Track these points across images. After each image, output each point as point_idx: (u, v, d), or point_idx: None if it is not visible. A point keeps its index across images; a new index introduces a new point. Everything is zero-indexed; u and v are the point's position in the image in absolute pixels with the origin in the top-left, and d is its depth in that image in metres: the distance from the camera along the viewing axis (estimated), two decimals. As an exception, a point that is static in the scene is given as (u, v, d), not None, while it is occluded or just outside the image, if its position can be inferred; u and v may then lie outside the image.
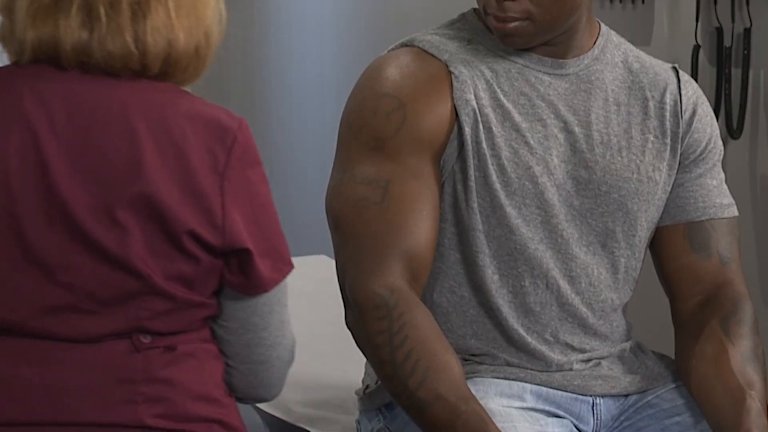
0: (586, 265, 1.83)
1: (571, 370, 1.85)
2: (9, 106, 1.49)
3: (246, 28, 5.23)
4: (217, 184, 1.53)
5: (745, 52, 2.91)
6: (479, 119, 1.78)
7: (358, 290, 1.72)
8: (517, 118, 1.80)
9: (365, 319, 1.70)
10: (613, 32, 1.93)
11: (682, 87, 1.90)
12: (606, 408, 1.86)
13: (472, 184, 1.78)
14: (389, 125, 1.77)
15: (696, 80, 2.90)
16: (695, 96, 1.91)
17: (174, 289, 1.53)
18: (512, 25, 1.76)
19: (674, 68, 1.92)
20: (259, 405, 2.34)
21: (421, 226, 1.74)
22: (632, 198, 1.84)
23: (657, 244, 1.91)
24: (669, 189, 1.89)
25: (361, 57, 4.23)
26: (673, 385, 1.87)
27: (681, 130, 1.88)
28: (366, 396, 1.93)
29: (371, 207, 1.74)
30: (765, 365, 1.81)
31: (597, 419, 1.86)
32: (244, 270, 1.57)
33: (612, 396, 1.86)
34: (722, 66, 2.96)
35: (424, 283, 1.76)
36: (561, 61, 1.84)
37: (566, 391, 1.84)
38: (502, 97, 1.80)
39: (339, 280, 1.77)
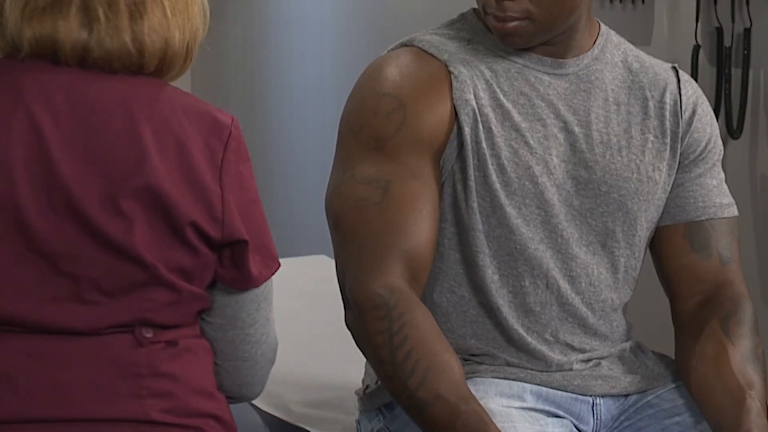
0: (586, 265, 1.83)
1: (571, 370, 1.85)
2: (10, 97, 1.49)
3: (246, 28, 5.23)
4: (216, 177, 1.55)
5: (745, 52, 2.91)
6: (479, 119, 1.78)
7: (358, 290, 1.72)
8: (517, 117, 1.80)
9: (365, 319, 1.70)
10: (612, 32, 1.93)
11: (681, 87, 1.90)
12: (606, 408, 1.86)
13: (472, 183, 1.78)
14: (389, 125, 1.77)
15: (696, 80, 2.90)
16: (695, 96, 1.91)
17: (177, 280, 1.54)
18: (512, 24, 1.76)
19: (674, 68, 1.92)
20: (259, 405, 2.34)
21: (421, 226, 1.74)
22: (632, 198, 1.84)
23: (657, 244, 1.92)
24: (669, 189, 1.89)
25: (361, 57, 4.23)
26: (673, 385, 1.87)
27: (681, 130, 1.88)
28: (366, 396, 1.93)
29: (371, 207, 1.74)
30: (765, 365, 1.81)
31: (597, 419, 1.86)
32: (236, 264, 1.58)
33: (612, 396, 1.86)
34: (722, 66, 2.96)
35: (424, 283, 1.76)
36: (561, 60, 1.84)
37: (566, 391, 1.84)
38: (501, 96, 1.80)
39: (339, 280, 1.77)
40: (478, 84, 1.80)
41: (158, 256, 1.52)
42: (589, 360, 1.87)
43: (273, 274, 1.63)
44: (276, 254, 1.64)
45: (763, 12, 2.88)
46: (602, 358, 1.88)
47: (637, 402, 1.87)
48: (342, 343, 2.64)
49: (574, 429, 1.84)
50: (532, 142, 1.80)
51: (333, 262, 1.79)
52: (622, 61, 1.89)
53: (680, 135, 1.88)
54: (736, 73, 2.95)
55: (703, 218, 1.88)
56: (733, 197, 1.93)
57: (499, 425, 1.67)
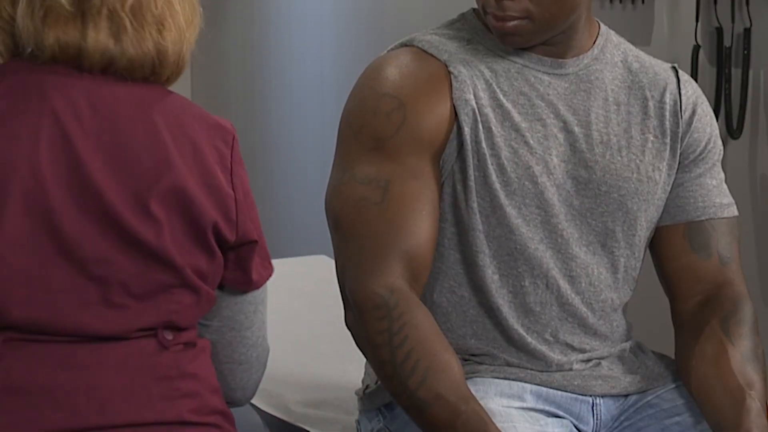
0: (586, 265, 1.83)
1: (571, 370, 1.85)
2: (36, 100, 1.50)
3: (246, 28, 5.23)
4: (228, 179, 1.57)
5: (745, 52, 2.91)
6: (479, 119, 1.78)
7: (358, 290, 1.72)
8: (517, 117, 1.80)
9: (365, 319, 1.70)
10: (612, 32, 1.93)
11: (681, 87, 1.90)
12: (606, 408, 1.86)
13: (472, 183, 1.78)
14: (389, 125, 1.77)
15: (696, 80, 2.90)
16: (695, 96, 1.91)
17: (199, 282, 1.56)
18: (511, 24, 1.77)
19: (674, 68, 1.92)
20: (259, 405, 2.34)
21: (421, 226, 1.74)
22: (632, 198, 1.84)
23: (657, 244, 1.92)
24: (669, 189, 1.89)
25: (361, 57, 4.23)
26: (673, 385, 1.87)
27: (681, 130, 1.88)
28: (366, 396, 1.93)
29: (371, 207, 1.74)
30: (765, 365, 1.81)
31: (597, 419, 1.86)
32: (241, 265, 1.60)
33: (612, 396, 1.87)
34: (722, 66, 2.96)
35: (424, 283, 1.76)
36: (560, 60, 1.84)
37: (566, 391, 1.84)
38: (501, 96, 1.80)
39: (339, 280, 1.77)
40: (477, 84, 1.80)
41: (184, 259, 1.53)
42: (589, 360, 1.87)
43: (270, 276, 1.65)
44: (269, 257, 1.66)
45: (763, 12, 2.88)
46: (602, 358, 1.88)
47: (637, 402, 1.87)
48: (342, 343, 2.64)
49: (574, 429, 1.84)
50: (531, 142, 1.80)
51: (333, 262, 1.79)
52: (622, 61, 1.89)
53: (680, 135, 1.88)
54: (736, 73, 2.95)
55: (703, 218, 1.88)
56: (733, 197, 1.93)
57: (499, 425, 1.67)
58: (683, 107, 1.89)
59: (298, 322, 2.88)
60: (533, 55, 1.83)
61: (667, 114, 1.88)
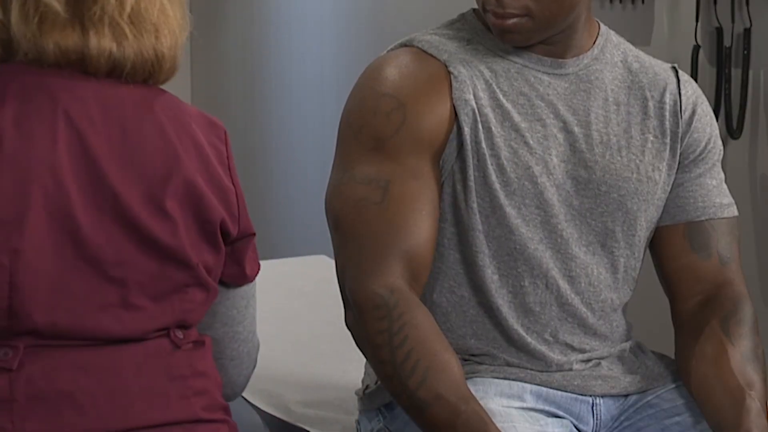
0: (586, 265, 1.83)
1: (570, 370, 1.85)
2: (47, 102, 1.49)
3: (246, 28, 5.23)
4: (227, 175, 1.58)
5: (745, 52, 2.91)
6: (478, 119, 1.78)
7: (358, 290, 1.72)
8: (517, 118, 1.80)
9: (365, 319, 1.70)
10: (612, 32, 1.93)
11: (681, 87, 1.90)
12: (606, 408, 1.86)
13: (472, 184, 1.78)
14: (389, 125, 1.77)
15: (696, 80, 2.90)
16: (695, 96, 1.91)
17: (208, 279, 1.57)
18: (511, 21, 1.77)
19: (674, 68, 1.92)
20: (259, 405, 2.34)
21: (421, 226, 1.74)
22: (632, 198, 1.84)
23: (657, 244, 1.92)
24: (669, 189, 1.89)
25: (361, 57, 4.23)
26: (673, 385, 1.87)
27: (680, 130, 1.88)
28: (366, 396, 1.93)
29: (371, 207, 1.74)
30: (765, 365, 1.81)
31: (597, 419, 1.86)
32: (238, 259, 1.61)
33: (612, 396, 1.87)
34: (722, 66, 2.96)
35: (424, 283, 1.76)
36: (560, 60, 1.84)
37: (566, 391, 1.84)
38: (501, 97, 1.80)
39: (339, 280, 1.77)
40: (477, 84, 1.80)
41: (198, 256, 1.55)
42: (588, 360, 1.87)
43: (259, 269, 1.67)
44: (257, 251, 1.69)
45: (763, 12, 2.88)
46: (602, 358, 1.88)
47: (637, 402, 1.87)
48: (342, 343, 2.64)
49: (574, 429, 1.84)
50: (531, 142, 1.80)
51: (333, 262, 1.79)
52: (621, 61, 1.90)
53: (680, 135, 1.88)
54: (736, 73, 2.95)
55: (702, 218, 1.88)
56: (733, 197, 1.93)
57: (499, 425, 1.67)
58: (683, 107, 1.89)
59: (298, 322, 2.88)
60: (533, 55, 1.83)
61: (667, 114, 1.88)
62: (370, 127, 1.78)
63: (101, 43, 1.51)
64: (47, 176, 1.46)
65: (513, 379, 1.82)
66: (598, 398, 1.86)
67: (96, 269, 1.49)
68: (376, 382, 1.90)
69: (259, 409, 2.33)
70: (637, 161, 1.85)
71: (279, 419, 2.30)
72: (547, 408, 1.83)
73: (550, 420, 1.81)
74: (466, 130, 1.78)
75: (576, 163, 1.82)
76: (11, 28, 1.51)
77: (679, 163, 1.89)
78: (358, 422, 1.99)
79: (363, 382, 1.97)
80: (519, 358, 1.83)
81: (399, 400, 1.69)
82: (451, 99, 1.78)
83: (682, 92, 1.90)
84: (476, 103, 1.79)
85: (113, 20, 1.51)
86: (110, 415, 1.50)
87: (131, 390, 1.52)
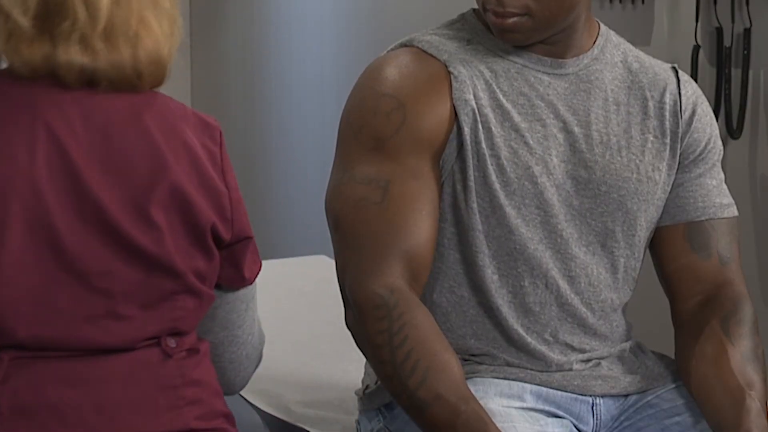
0: (586, 265, 1.83)
1: (570, 370, 1.85)
2: (26, 112, 1.48)
3: (246, 28, 5.23)
4: (221, 177, 1.57)
5: (745, 52, 2.91)
6: (478, 119, 1.78)
7: (358, 290, 1.72)
8: (517, 118, 1.80)
9: (365, 319, 1.70)
10: (612, 32, 1.93)
11: (681, 87, 1.90)
12: (606, 408, 1.86)
13: (472, 184, 1.78)
14: (389, 125, 1.77)
15: (696, 80, 2.90)
16: (695, 96, 1.91)
17: (200, 286, 1.56)
18: (511, 20, 1.77)
19: (674, 68, 1.93)
20: (259, 405, 2.34)
21: (421, 226, 1.74)
22: (632, 198, 1.84)
23: (657, 244, 1.92)
24: (669, 189, 1.89)
25: (361, 57, 4.23)
26: (673, 385, 1.87)
27: (680, 130, 1.88)
28: (366, 396, 1.93)
29: (371, 207, 1.74)
30: (765, 365, 1.81)
31: (597, 419, 1.86)
32: (235, 263, 1.60)
33: (612, 396, 1.87)
34: (722, 66, 2.96)
35: (424, 283, 1.76)
36: (560, 60, 1.84)
37: (566, 391, 1.84)
38: (501, 97, 1.81)
39: (339, 280, 1.77)
40: (477, 84, 1.80)
41: (186, 264, 1.53)
42: (588, 360, 1.87)
43: (260, 270, 1.66)
44: (258, 251, 1.67)
45: (763, 12, 2.88)
46: (602, 358, 1.88)
47: (637, 402, 1.87)
48: (342, 343, 2.64)
49: (574, 429, 1.84)
50: (531, 142, 1.80)
51: (333, 262, 1.79)
52: (621, 62, 1.90)
53: (680, 135, 1.88)
54: (736, 73, 2.95)
55: (702, 218, 1.88)
56: (733, 197, 1.93)
57: (499, 425, 1.67)
58: (683, 107, 1.89)
59: (298, 322, 2.88)
60: (533, 55, 1.83)
61: (667, 114, 1.88)
62: (370, 127, 1.78)
63: (71, 57, 1.49)
64: (26, 188, 1.45)
65: (513, 379, 1.82)
66: (598, 398, 1.86)
67: (80, 280, 1.48)
68: (376, 382, 1.90)
69: (259, 409, 2.33)
70: (637, 161, 1.85)
71: (279, 419, 2.30)
72: (547, 408, 1.83)
73: (550, 420, 1.81)
74: (466, 130, 1.78)
75: (576, 163, 1.82)
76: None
77: (679, 163, 1.89)
78: (358, 422, 1.99)
79: (363, 382, 1.97)
80: (519, 358, 1.83)
81: (399, 400, 1.69)
82: (451, 99, 1.78)
83: (682, 92, 1.90)
84: (476, 103, 1.79)
85: (84, 36, 1.49)
86: (97, 428, 1.49)
87: (119, 401, 1.51)
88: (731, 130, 2.95)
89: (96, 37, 1.50)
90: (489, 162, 1.78)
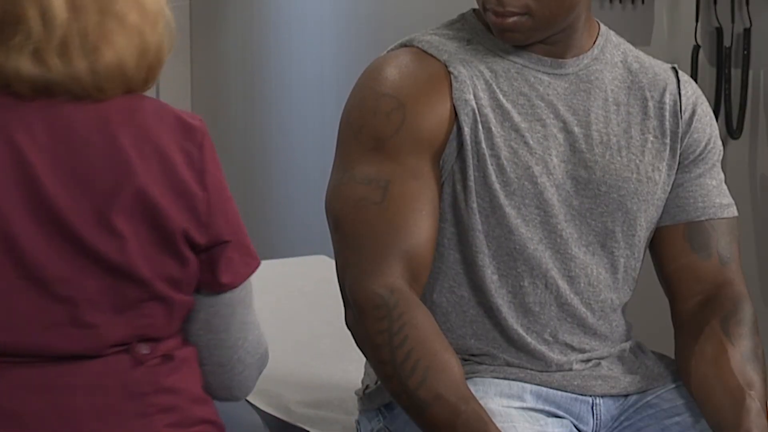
0: (586, 265, 1.83)
1: (570, 370, 1.85)
2: None
3: (246, 28, 5.23)
4: (198, 180, 1.55)
5: (745, 52, 2.91)
6: (478, 119, 1.78)
7: (358, 290, 1.72)
8: (517, 118, 1.80)
9: (365, 319, 1.70)
10: (612, 32, 1.93)
11: (681, 87, 1.90)
12: (606, 408, 1.86)
13: (472, 184, 1.78)
14: (389, 125, 1.77)
15: (696, 80, 2.90)
16: (695, 96, 1.91)
17: (170, 292, 1.54)
18: (511, 20, 1.77)
19: (674, 68, 1.93)
20: (259, 405, 2.34)
21: (421, 226, 1.74)
22: (632, 198, 1.84)
23: (657, 244, 1.92)
24: (668, 189, 1.89)
25: (361, 57, 4.23)
26: (673, 385, 1.87)
27: (680, 130, 1.88)
28: (366, 396, 1.93)
29: (371, 207, 1.74)
30: (765, 365, 1.81)
31: (597, 419, 1.86)
32: (210, 267, 1.58)
33: (612, 396, 1.87)
34: (722, 66, 2.96)
35: (424, 283, 1.76)
36: (560, 60, 1.84)
37: (566, 391, 1.84)
38: (501, 97, 1.81)
39: (339, 280, 1.77)
40: (477, 84, 1.80)
41: (153, 270, 1.51)
42: (588, 360, 1.87)
43: (252, 272, 1.62)
44: (254, 251, 1.63)
45: (762, 12, 2.88)
46: (602, 358, 1.88)
47: (637, 402, 1.87)
48: (342, 343, 2.64)
49: (574, 429, 1.84)
50: (531, 142, 1.80)
51: (333, 262, 1.79)
52: (621, 62, 1.90)
53: (680, 135, 1.88)
54: (735, 73, 2.95)
55: (702, 218, 1.88)
56: (733, 197, 1.93)
57: (499, 425, 1.67)
58: (683, 107, 1.89)
59: (298, 322, 2.88)
60: (533, 55, 1.83)
61: (667, 114, 1.88)
62: (370, 127, 1.78)
63: (20, 69, 1.48)
64: None
65: (513, 379, 1.82)
66: (598, 398, 1.86)
67: (40, 288, 1.48)
68: (376, 382, 1.90)
69: (259, 409, 2.33)
70: (637, 161, 1.85)
71: (279, 419, 2.30)
72: (547, 408, 1.83)
73: (550, 420, 1.81)
74: (466, 130, 1.78)
75: (576, 163, 1.82)
76: None
77: (679, 163, 1.89)
78: (358, 422, 1.99)
79: (363, 382, 1.97)
80: (519, 358, 1.83)
81: (399, 400, 1.69)
82: (451, 99, 1.78)
83: (682, 92, 1.90)
84: (476, 103, 1.79)
85: (38, 49, 1.48)
86: None
87: (83, 409, 1.50)
88: (731, 130, 2.95)
89: (51, 50, 1.49)
90: (489, 162, 1.78)
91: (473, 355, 1.85)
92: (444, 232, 1.81)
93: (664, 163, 1.87)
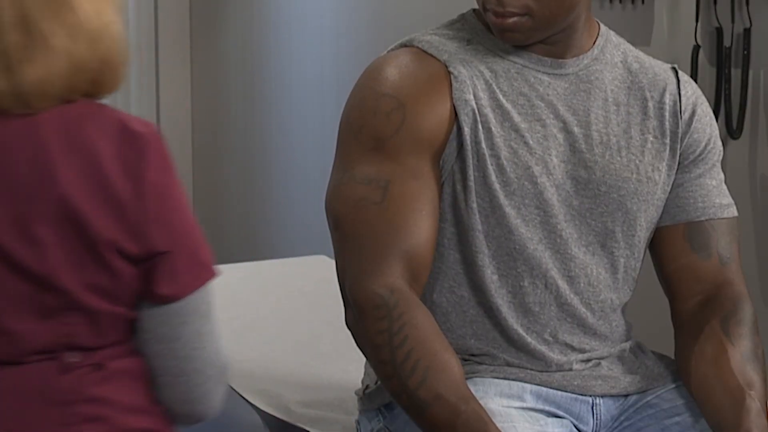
0: (585, 265, 1.83)
1: (570, 370, 1.85)
2: None
3: (246, 28, 5.23)
4: (134, 189, 1.51)
5: (745, 52, 2.91)
6: (478, 119, 1.78)
7: (358, 290, 1.72)
8: (517, 118, 1.80)
9: (365, 319, 1.70)
10: (612, 32, 1.93)
11: (681, 87, 1.90)
12: (606, 408, 1.86)
13: (472, 184, 1.78)
14: (389, 125, 1.77)
15: (696, 80, 2.90)
16: (694, 96, 1.91)
17: (96, 302, 1.51)
18: (511, 20, 1.77)
19: (674, 68, 1.93)
20: (259, 405, 2.34)
21: (421, 225, 1.74)
22: (631, 198, 1.84)
23: (657, 244, 1.92)
24: (668, 189, 1.89)
25: (361, 57, 4.23)
26: (673, 385, 1.87)
27: (680, 130, 1.88)
28: (366, 396, 1.93)
29: (371, 207, 1.74)
30: (765, 365, 1.81)
31: (597, 419, 1.86)
32: (148, 278, 1.53)
33: (612, 396, 1.87)
34: (722, 66, 2.96)
35: (424, 283, 1.76)
36: (560, 60, 1.84)
37: (566, 391, 1.84)
38: (501, 97, 1.81)
39: (339, 280, 1.77)
40: (477, 84, 1.80)
41: (76, 280, 1.49)
42: (588, 360, 1.87)
43: (203, 284, 1.56)
44: (209, 262, 1.57)
45: (763, 12, 2.88)
46: (602, 358, 1.88)
47: (637, 402, 1.87)
48: (342, 343, 2.64)
49: (574, 429, 1.84)
50: (531, 142, 1.80)
51: (333, 262, 1.79)
52: (621, 62, 1.90)
53: (680, 135, 1.88)
54: (735, 73, 2.95)
55: (702, 218, 1.88)
56: (733, 197, 1.93)
57: (499, 425, 1.67)
58: (683, 108, 1.89)
59: (298, 322, 2.88)
60: (533, 55, 1.83)
61: (667, 114, 1.88)
62: (370, 127, 1.78)
63: None
64: None
65: (513, 379, 1.82)
66: (598, 398, 1.86)
67: None
68: (376, 382, 1.90)
69: (259, 409, 2.32)
70: (637, 161, 1.85)
71: (279, 419, 2.30)
72: (547, 408, 1.83)
73: (550, 420, 1.81)
74: (466, 131, 1.78)
75: (576, 163, 1.82)
76: None
77: (678, 163, 1.89)
78: (358, 422, 1.99)
79: (363, 382, 1.97)
80: (519, 358, 1.83)
81: (399, 400, 1.69)
82: (451, 99, 1.78)
83: (682, 93, 1.90)
84: (476, 103, 1.79)
85: None
86: None
87: (3, 414, 1.48)
88: (731, 130, 2.95)
89: None
90: (489, 162, 1.78)
91: (473, 355, 1.85)
92: (444, 232, 1.81)
93: (664, 163, 1.87)
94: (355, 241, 1.74)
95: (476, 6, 1.86)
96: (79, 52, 1.52)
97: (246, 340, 2.73)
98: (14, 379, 1.50)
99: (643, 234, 1.87)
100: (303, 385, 2.44)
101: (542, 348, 1.83)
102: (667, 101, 1.88)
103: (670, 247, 1.90)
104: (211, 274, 1.57)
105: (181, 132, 5.47)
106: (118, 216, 1.50)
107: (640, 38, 3.13)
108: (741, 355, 1.79)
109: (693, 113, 1.90)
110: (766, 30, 2.88)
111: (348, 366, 2.52)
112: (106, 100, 1.58)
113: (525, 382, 1.82)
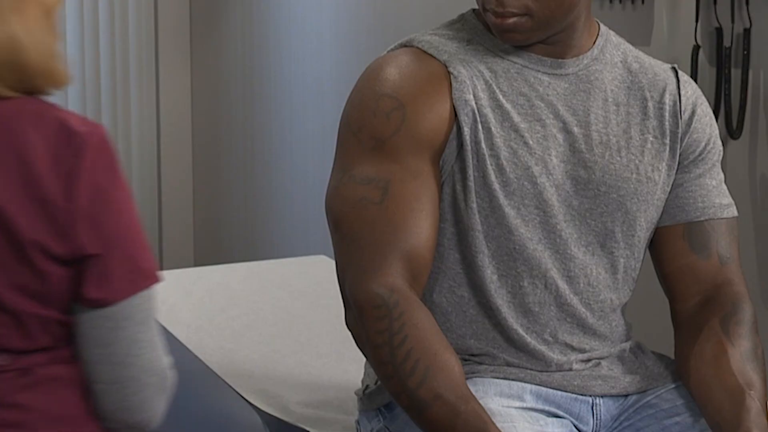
0: (585, 265, 1.84)
1: (570, 370, 1.85)
2: None
3: (246, 28, 5.23)
4: (65, 190, 1.48)
5: (745, 52, 2.91)
6: (478, 119, 1.78)
7: (358, 290, 1.72)
8: (516, 118, 1.80)
9: (365, 318, 1.70)
10: (612, 32, 1.93)
11: (681, 87, 1.90)
12: (606, 408, 1.87)
13: (471, 184, 1.78)
14: (389, 125, 1.77)
15: (696, 80, 2.90)
16: (694, 96, 1.91)
17: (23, 304, 1.49)
18: (511, 20, 1.77)
19: (673, 68, 1.93)
20: (259, 405, 2.34)
21: (421, 225, 1.74)
22: (631, 198, 1.84)
23: (656, 244, 1.92)
24: (668, 189, 1.89)
25: (361, 57, 4.23)
26: (673, 385, 1.88)
27: (680, 131, 1.88)
28: (366, 396, 1.93)
29: (371, 207, 1.75)
30: (765, 365, 1.81)
31: (597, 419, 1.86)
32: (80, 280, 1.50)
33: (612, 396, 1.87)
34: (722, 66, 2.96)
35: (424, 282, 1.76)
36: (560, 61, 1.84)
37: (566, 391, 1.84)
38: (501, 97, 1.81)
39: (339, 280, 1.77)
40: (477, 84, 1.80)
41: (1, 281, 1.46)
42: (588, 360, 1.87)
43: (138, 291, 1.51)
44: (149, 269, 1.53)
45: (763, 12, 2.88)
46: (602, 358, 1.88)
47: (637, 402, 1.87)
48: (342, 343, 2.64)
49: (574, 429, 1.84)
50: (531, 142, 1.80)
51: (333, 262, 1.80)
52: (621, 62, 1.90)
53: (680, 135, 1.88)
54: (735, 74, 2.95)
55: (702, 219, 1.89)
56: (733, 197, 1.93)
57: (499, 425, 1.67)
58: (683, 108, 1.89)
59: (298, 322, 2.88)
60: (533, 55, 1.84)
61: (667, 114, 1.88)
62: (370, 128, 1.78)
63: None
64: None
65: (513, 379, 1.82)
66: (597, 398, 1.86)
67: None
68: (376, 382, 1.90)
69: (258, 409, 2.33)
70: (637, 162, 1.85)
71: (279, 419, 2.30)
72: (547, 408, 1.83)
73: (550, 420, 1.81)
74: (466, 131, 1.78)
75: (575, 163, 1.83)
76: None
77: (678, 163, 1.89)
78: (358, 422, 1.99)
79: (363, 382, 1.97)
80: (519, 358, 1.83)
81: (399, 400, 1.69)
82: (451, 99, 1.79)
83: (682, 93, 1.90)
84: (476, 103, 1.79)
85: None
86: None
87: None
88: (731, 130, 2.95)
89: None
90: (488, 162, 1.78)
91: (473, 355, 1.85)
92: (444, 232, 1.82)
93: (664, 164, 1.87)
94: (355, 241, 1.74)
95: (476, 6, 1.86)
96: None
97: (246, 340, 2.73)
98: None
99: (642, 234, 1.88)
100: (303, 385, 2.44)
101: (542, 348, 1.83)
102: (667, 101, 1.89)
103: (670, 247, 1.90)
104: (149, 282, 1.53)
105: (181, 132, 5.47)
106: (45, 216, 1.47)
107: (640, 38, 3.13)
108: (741, 355, 1.79)
109: (693, 113, 1.90)
110: (766, 30, 2.88)
111: (348, 366, 2.53)
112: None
113: (525, 382, 1.82)
